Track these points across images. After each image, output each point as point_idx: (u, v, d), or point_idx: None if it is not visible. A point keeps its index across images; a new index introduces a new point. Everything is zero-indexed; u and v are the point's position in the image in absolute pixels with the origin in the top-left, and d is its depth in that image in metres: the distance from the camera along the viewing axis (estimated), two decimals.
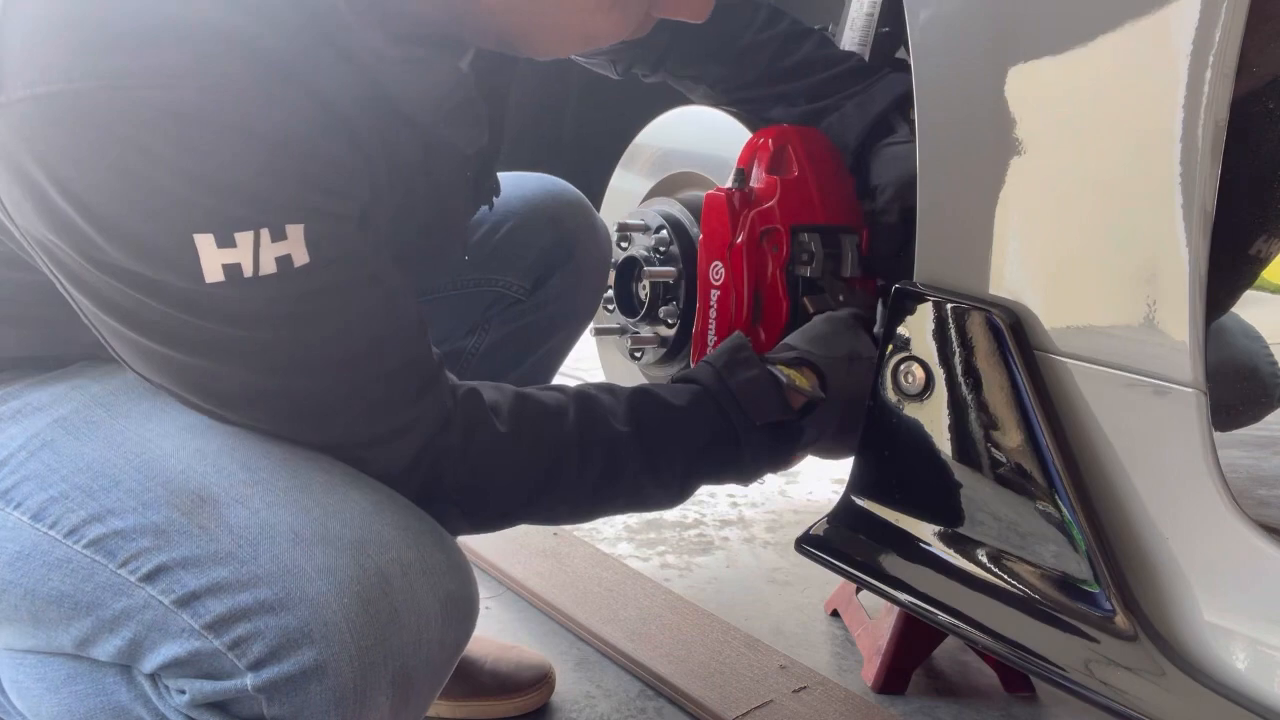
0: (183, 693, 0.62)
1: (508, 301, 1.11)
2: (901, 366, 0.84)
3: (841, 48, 1.05)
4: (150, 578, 0.62)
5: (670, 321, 1.12)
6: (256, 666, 0.60)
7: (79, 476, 0.66)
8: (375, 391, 0.71)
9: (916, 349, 0.83)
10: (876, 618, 1.35)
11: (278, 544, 0.62)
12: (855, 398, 0.88)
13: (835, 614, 1.49)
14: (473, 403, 0.77)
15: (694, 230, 1.10)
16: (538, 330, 1.15)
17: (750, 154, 0.98)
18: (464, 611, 0.68)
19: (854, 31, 1.05)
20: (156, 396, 0.72)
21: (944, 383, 0.82)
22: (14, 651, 0.69)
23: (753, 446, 0.86)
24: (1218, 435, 0.69)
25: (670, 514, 1.90)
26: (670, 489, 0.86)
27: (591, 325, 1.23)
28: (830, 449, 0.94)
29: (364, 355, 0.70)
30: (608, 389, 0.86)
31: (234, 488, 0.65)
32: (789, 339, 0.92)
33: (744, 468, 0.88)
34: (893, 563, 0.85)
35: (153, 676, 0.64)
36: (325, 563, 0.61)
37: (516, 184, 1.12)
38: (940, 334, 0.82)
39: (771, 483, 2.08)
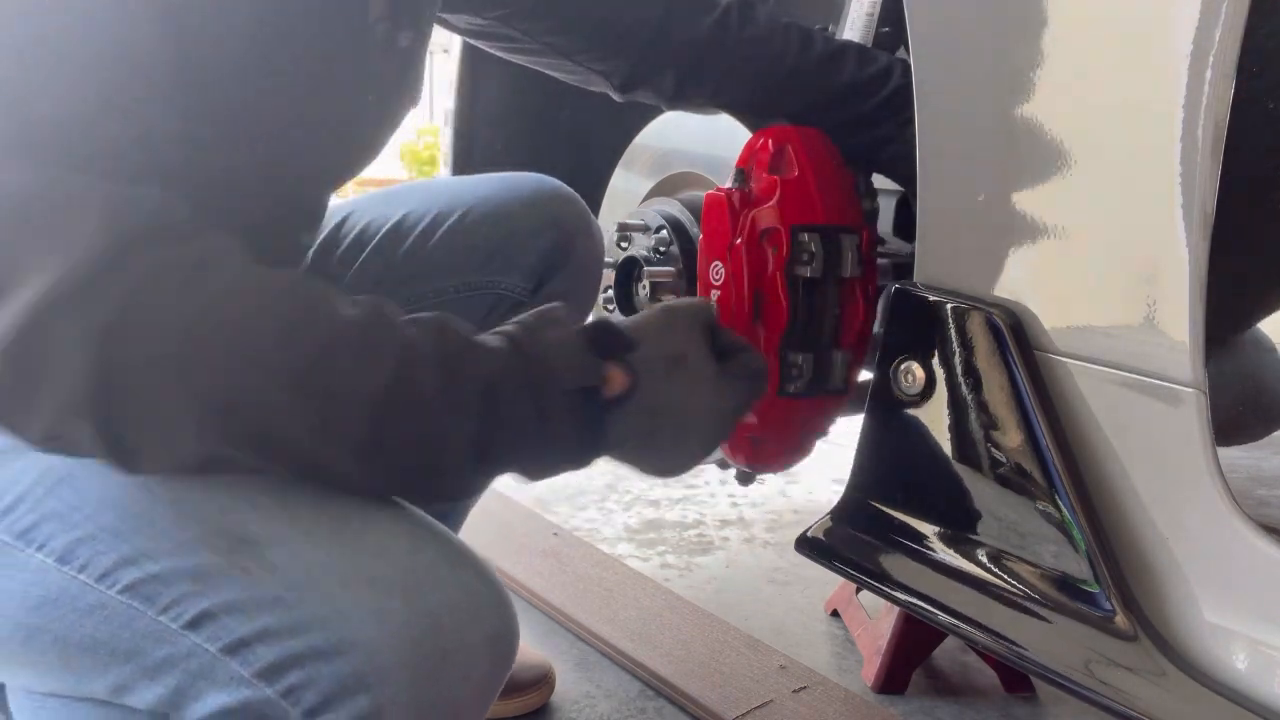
0: None
1: (510, 304, 1.10)
2: (901, 367, 0.84)
3: None
4: (195, 624, 0.60)
5: None
6: (311, 714, 0.58)
7: (105, 515, 0.63)
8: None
9: (916, 349, 0.83)
10: (876, 618, 1.35)
11: (325, 586, 0.60)
12: (669, 407, 0.75)
13: (835, 614, 1.49)
14: (225, 246, 0.60)
15: (694, 230, 1.10)
16: None
17: (750, 154, 0.98)
18: (507, 650, 0.66)
19: (854, 32, 1.05)
20: None
21: (944, 383, 0.82)
22: (34, 694, 0.67)
23: (557, 412, 0.68)
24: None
25: (670, 514, 1.90)
26: (465, 439, 0.65)
27: None
28: (646, 460, 0.79)
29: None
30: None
31: (272, 526, 0.62)
32: (619, 322, 0.78)
33: (546, 439, 0.69)
34: (892, 563, 0.85)
35: None
36: (375, 606, 0.59)
37: (512, 185, 1.12)
38: (940, 334, 0.82)
39: (772, 483, 2.08)
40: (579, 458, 0.73)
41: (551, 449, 0.70)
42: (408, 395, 0.62)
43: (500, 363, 0.67)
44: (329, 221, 1.08)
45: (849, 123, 1.00)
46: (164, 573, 0.61)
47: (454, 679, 0.61)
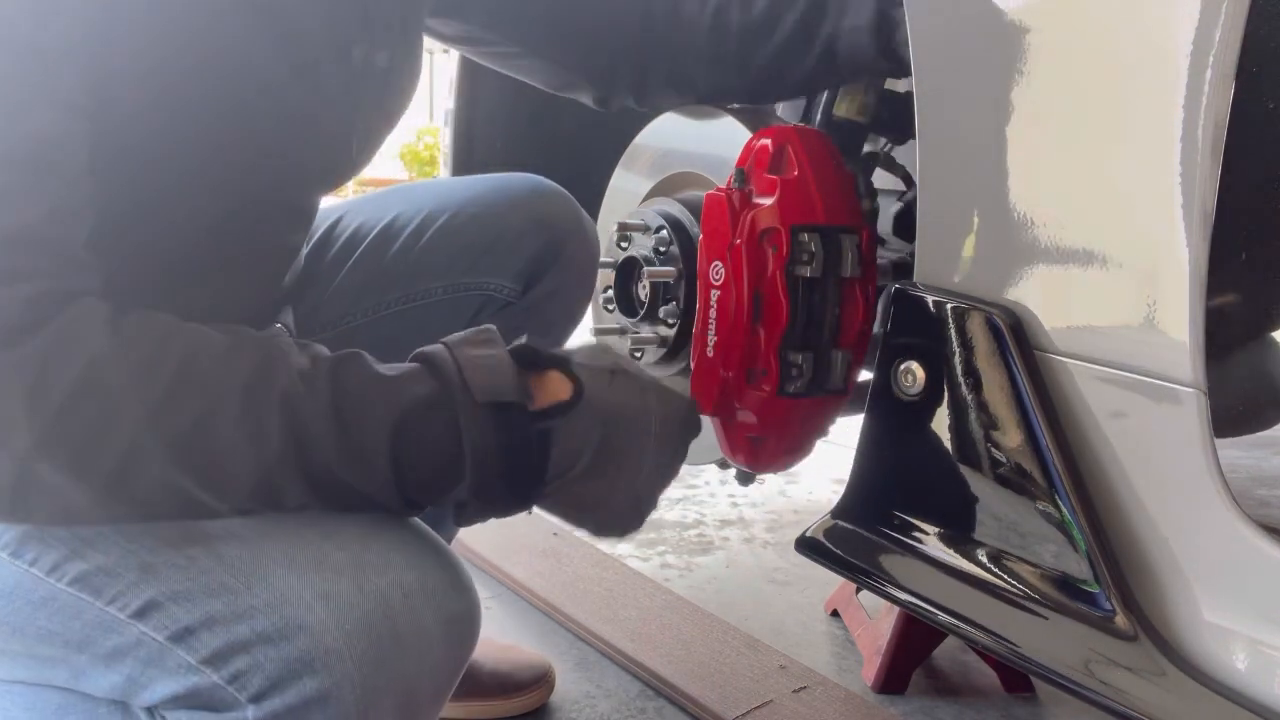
0: None
1: (498, 304, 1.10)
2: (901, 367, 0.84)
3: None
4: (141, 613, 0.61)
5: (670, 321, 1.12)
6: (258, 699, 0.59)
7: None
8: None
9: (916, 349, 0.83)
10: (876, 618, 1.35)
11: (272, 572, 0.60)
12: (617, 415, 0.72)
13: (835, 614, 1.49)
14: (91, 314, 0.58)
15: (694, 230, 1.10)
16: (530, 333, 1.14)
17: (750, 154, 0.98)
18: (466, 631, 0.66)
19: None
20: None
21: (944, 383, 0.82)
22: (2, 681, 0.67)
23: (477, 429, 0.65)
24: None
25: (670, 514, 1.90)
26: (374, 470, 0.63)
27: (591, 326, 1.23)
28: (605, 485, 0.73)
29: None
30: (308, 348, 0.67)
31: (225, 522, 0.63)
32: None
33: (475, 465, 0.65)
34: (892, 563, 0.85)
35: (150, 710, 0.63)
36: (323, 588, 0.60)
37: (502, 185, 1.11)
38: (940, 334, 0.81)
39: (772, 483, 2.08)
40: (520, 483, 0.67)
41: (485, 476, 0.65)
42: (305, 461, 0.61)
43: (412, 388, 0.65)
44: (322, 223, 1.08)
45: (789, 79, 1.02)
46: (111, 565, 0.62)
47: (408, 661, 0.61)
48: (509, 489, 0.67)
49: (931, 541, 0.83)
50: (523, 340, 0.73)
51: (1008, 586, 0.78)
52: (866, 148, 1.07)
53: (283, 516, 0.63)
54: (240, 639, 0.59)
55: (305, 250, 1.06)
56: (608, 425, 0.72)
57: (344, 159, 0.86)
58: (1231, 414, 0.71)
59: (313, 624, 0.59)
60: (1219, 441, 0.68)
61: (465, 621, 0.66)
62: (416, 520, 0.70)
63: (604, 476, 0.72)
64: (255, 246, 0.82)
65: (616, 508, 0.75)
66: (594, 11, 1.04)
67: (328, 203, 0.99)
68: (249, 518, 0.63)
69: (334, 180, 0.88)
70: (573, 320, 1.19)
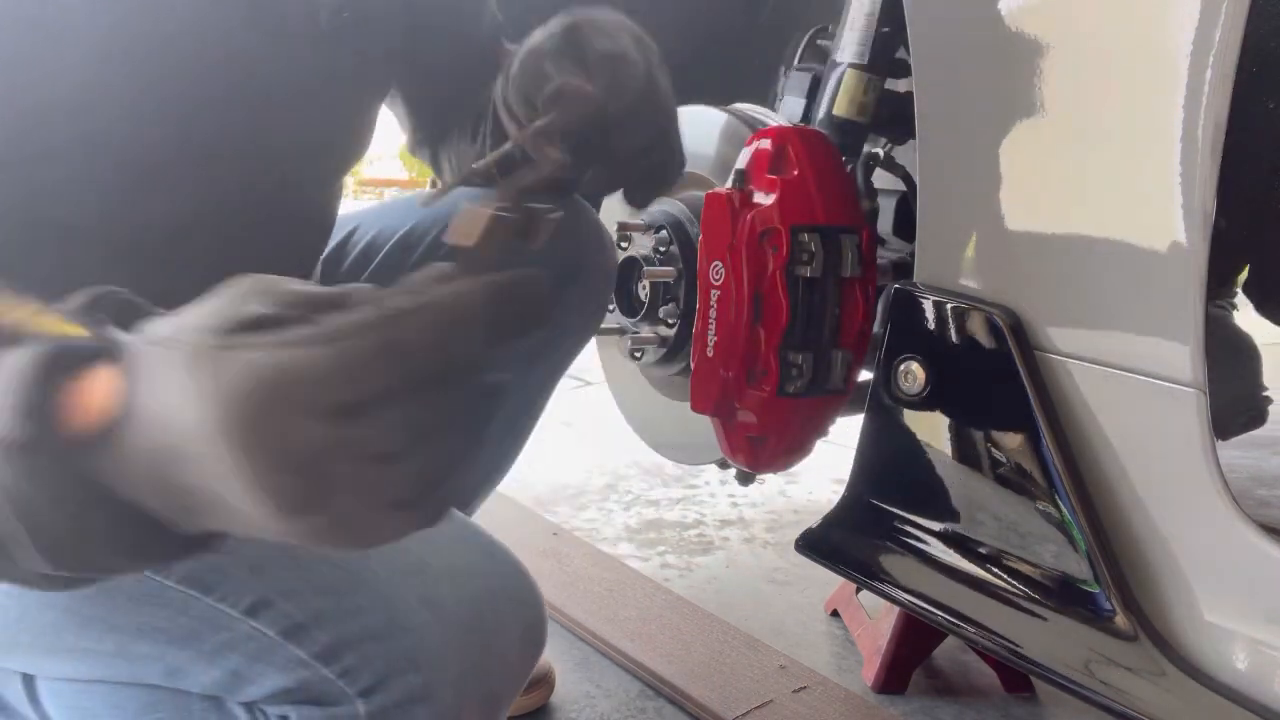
0: (285, 717, 0.63)
1: None
2: (901, 367, 0.84)
3: (841, 48, 1.05)
4: (252, 610, 0.62)
5: (670, 321, 1.12)
6: (367, 693, 0.61)
7: None
8: None
9: (917, 349, 0.83)
10: (876, 618, 1.35)
11: (376, 574, 0.63)
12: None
13: (835, 614, 1.49)
14: None
15: (694, 230, 1.10)
16: (544, 343, 1.14)
17: (750, 154, 0.98)
18: (539, 638, 0.69)
19: (854, 31, 1.05)
20: None
21: (944, 383, 0.82)
22: (78, 681, 0.68)
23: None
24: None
25: (670, 514, 1.90)
26: None
27: None
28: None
29: None
30: None
31: None
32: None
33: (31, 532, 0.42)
34: (892, 563, 0.85)
35: (250, 705, 0.64)
36: (424, 592, 0.63)
37: None
38: (940, 334, 0.82)
39: (772, 482, 2.08)
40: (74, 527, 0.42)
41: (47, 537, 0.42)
42: None
43: None
44: (336, 234, 1.07)
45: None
46: (220, 563, 0.63)
47: (493, 663, 0.64)
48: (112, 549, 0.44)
49: (931, 542, 0.83)
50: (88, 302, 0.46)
51: (1008, 587, 0.78)
52: (866, 148, 1.07)
53: None
54: (350, 636, 0.61)
55: (320, 262, 1.05)
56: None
57: (335, 130, 0.84)
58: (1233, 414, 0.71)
59: (417, 625, 0.61)
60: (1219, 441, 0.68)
61: (538, 628, 0.69)
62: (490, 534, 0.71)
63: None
64: (256, 250, 0.82)
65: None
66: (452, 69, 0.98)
67: (341, 214, 0.98)
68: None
69: (334, 158, 0.86)
70: (587, 332, 1.18)
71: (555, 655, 1.33)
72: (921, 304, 0.83)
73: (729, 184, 0.98)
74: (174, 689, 0.66)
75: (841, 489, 0.90)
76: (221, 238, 0.77)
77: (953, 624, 0.79)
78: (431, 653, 0.61)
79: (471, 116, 0.97)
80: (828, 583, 1.53)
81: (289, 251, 0.89)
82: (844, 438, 0.99)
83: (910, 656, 1.28)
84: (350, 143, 0.89)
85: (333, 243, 1.07)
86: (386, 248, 1.07)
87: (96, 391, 0.41)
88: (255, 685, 0.63)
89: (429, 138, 1.04)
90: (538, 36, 0.73)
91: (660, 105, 0.72)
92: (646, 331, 1.16)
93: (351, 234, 1.08)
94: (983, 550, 0.80)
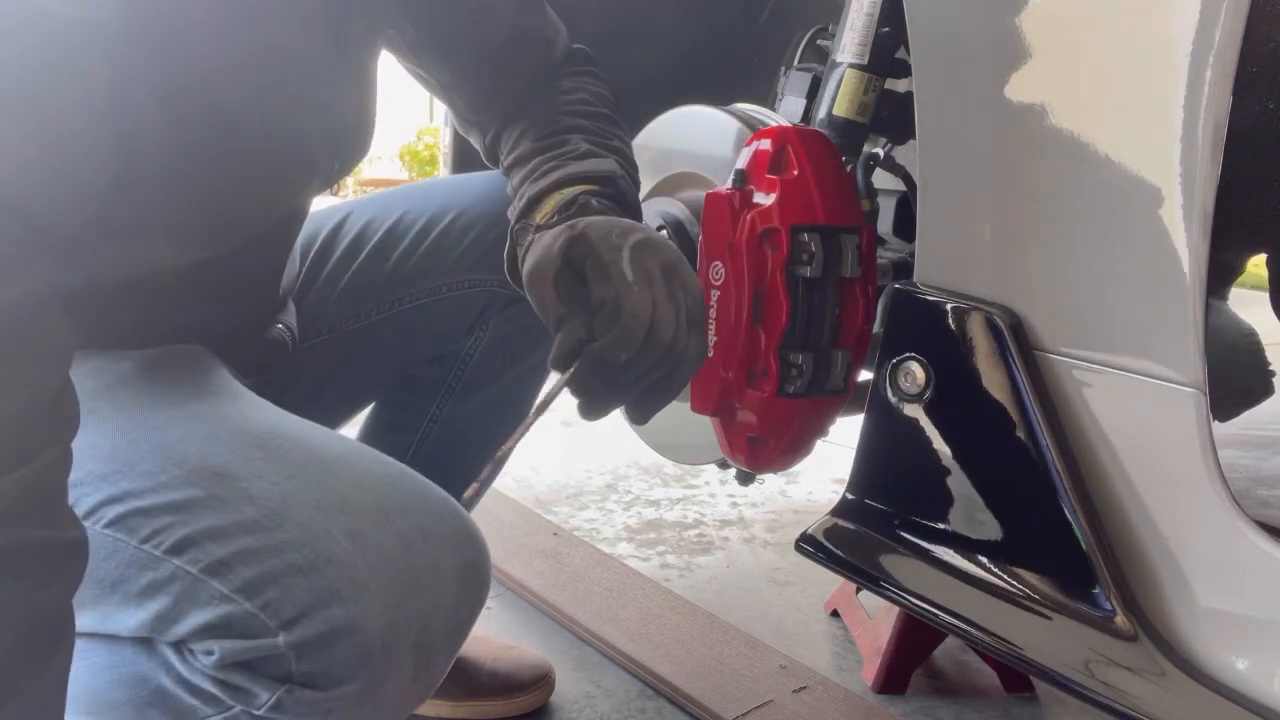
0: (210, 653, 0.63)
1: (504, 301, 1.10)
2: (901, 367, 0.84)
3: (841, 48, 1.05)
4: (176, 549, 0.63)
5: None
6: (288, 625, 0.61)
7: (91, 463, 0.66)
8: None
9: (916, 349, 0.83)
10: (876, 618, 1.35)
11: (301, 511, 0.63)
12: None
13: (835, 614, 1.49)
14: None
15: (694, 230, 1.10)
16: (539, 332, 1.14)
17: (750, 154, 0.98)
18: (478, 579, 0.70)
19: (854, 32, 1.05)
20: (156, 390, 0.71)
21: (944, 383, 0.82)
22: None
23: None
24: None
25: (670, 514, 1.90)
26: None
27: None
28: None
29: None
30: None
31: (251, 464, 0.66)
32: None
33: None
34: (892, 563, 0.85)
35: (177, 644, 0.65)
36: (348, 526, 0.63)
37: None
38: (940, 334, 0.82)
39: (772, 483, 2.08)
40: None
41: None
42: None
43: None
44: (326, 223, 1.08)
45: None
46: (147, 507, 0.65)
47: (424, 601, 0.65)
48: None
49: (931, 541, 0.83)
50: None
51: (1008, 587, 0.78)
52: (866, 148, 1.07)
53: (307, 461, 0.66)
54: (272, 570, 0.62)
55: (313, 250, 1.06)
56: None
57: (338, 118, 0.84)
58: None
59: (340, 557, 0.62)
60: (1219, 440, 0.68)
61: (476, 569, 0.69)
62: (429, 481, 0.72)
63: None
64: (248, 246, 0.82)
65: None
66: (507, 56, 0.99)
67: (332, 203, 0.98)
68: (273, 463, 0.65)
69: (339, 146, 0.85)
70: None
71: (555, 655, 1.33)
72: (921, 304, 0.83)
73: (729, 184, 0.98)
74: (106, 634, 0.66)
75: (841, 489, 0.90)
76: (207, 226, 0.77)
77: (953, 624, 0.79)
78: (356, 584, 0.61)
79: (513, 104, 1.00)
80: (828, 583, 1.53)
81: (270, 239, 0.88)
82: (844, 438, 0.99)
83: (910, 656, 1.28)
84: (361, 123, 0.88)
85: (324, 232, 1.07)
86: (375, 238, 1.05)
87: None
88: (181, 624, 0.63)
89: (481, 121, 1.04)
90: (545, 245, 0.78)
91: (666, 350, 0.76)
92: None
93: (342, 223, 1.08)
94: (983, 550, 0.80)
